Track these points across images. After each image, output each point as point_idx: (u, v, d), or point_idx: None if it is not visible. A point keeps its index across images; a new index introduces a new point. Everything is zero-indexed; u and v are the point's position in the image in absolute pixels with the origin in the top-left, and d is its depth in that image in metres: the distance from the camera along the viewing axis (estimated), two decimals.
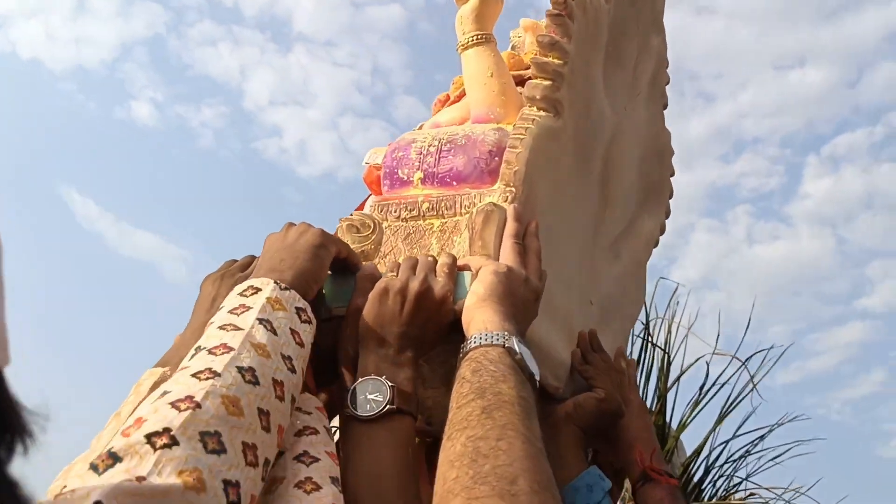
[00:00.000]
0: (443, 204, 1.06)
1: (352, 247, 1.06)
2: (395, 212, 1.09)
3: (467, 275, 0.91)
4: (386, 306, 0.87)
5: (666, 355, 2.80)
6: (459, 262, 0.93)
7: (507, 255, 0.93)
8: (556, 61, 1.11)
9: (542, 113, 1.10)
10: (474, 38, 1.17)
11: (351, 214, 1.11)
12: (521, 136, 1.05)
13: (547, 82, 1.10)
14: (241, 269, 0.98)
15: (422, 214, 1.07)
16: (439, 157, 1.10)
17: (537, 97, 1.09)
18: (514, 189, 1.02)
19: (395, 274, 0.90)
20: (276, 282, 0.79)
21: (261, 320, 0.73)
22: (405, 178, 1.11)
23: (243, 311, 0.74)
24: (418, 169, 1.11)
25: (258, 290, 0.78)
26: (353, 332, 0.89)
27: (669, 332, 2.85)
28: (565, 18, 1.12)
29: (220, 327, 0.72)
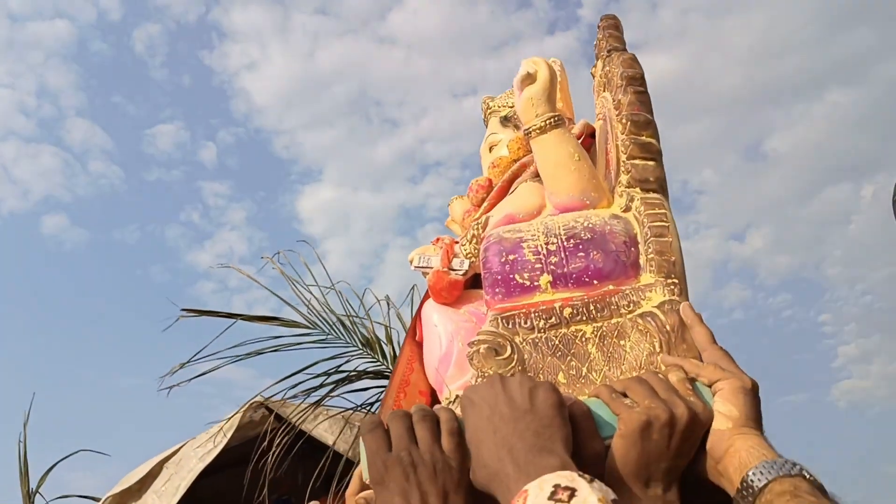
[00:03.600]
0: (592, 307, 0.91)
1: (498, 373, 0.87)
2: (526, 322, 0.92)
3: (705, 389, 0.76)
4: (651, 441, 0.70)
5: None
6: (688, 370, 0.79)
7: (728, 364, 0.79)
8: (652, 140, 1.04)
9: (657, 196, 1.01)
10: (551, 120, 1.07)
11: (477, 336, 0.92)
12: (665, 223, 0.95)
13: (651, 163, 1.03)
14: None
15: (564, 321, 0.91)
16: (566, 256, 0.96)
17: (651, 179, 1.01)
18: (676, 281, 0.91)
19: (631, 402, 0.74)
20: (580, 475, 0.60)
21: None
22: (527, 283, 0.95)
23: None
24: (543, 272, 0.95)
25: (573, 490, 0.58)
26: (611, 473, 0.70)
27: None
28: (648, 95, 1.07)
29: None
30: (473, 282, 1.20)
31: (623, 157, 1.07)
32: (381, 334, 3.64)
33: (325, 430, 3.42)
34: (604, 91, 1.26)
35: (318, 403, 3.36)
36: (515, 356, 0.89)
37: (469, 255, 1.13)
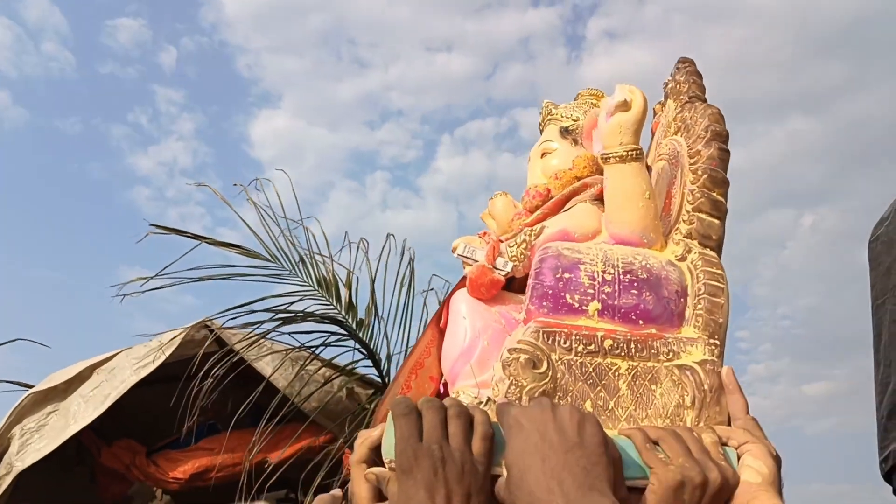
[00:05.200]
0: (632, 345, 0.93)
1: (530, 386, 0.89)
2: (566, 343, 0.93)
3: (732, 454, 0.79)
4: (681, 501, 0.72)
5: None
6: (719, 434, 0.81)
7: (758, 433, 0.82)
8: (723, 200, 1.07)
9: (714, 254, 1.03)
10: (633, 152, 1.08)
11: (518, 343, 0.93)
12: (721, 285, 0.97)
13: (717, 221, 1.05)
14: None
15: (602, 351, 0.93)
16: (620, 289, 0.97)
17: (713, 237, 1.03)
18: (717, 342, 0.94)
19: (665, 457, 0.76)
20: None
21: None
22: (576, 305, 0.97)
23: None
24: (594, 298, 0.97)
25: None
26: None
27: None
28: (729, 153, 1.10)
29: None
30: (505, 284, 1.21)
31: (688, 207, 1.08)
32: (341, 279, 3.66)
33: (266, 364, 3.41)
34: (676, 134, 1.27)
35: (263, 336, 3.36)
36: (550, 373, 0.91)
37: (513, 258, 1.14)
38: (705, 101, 1.27)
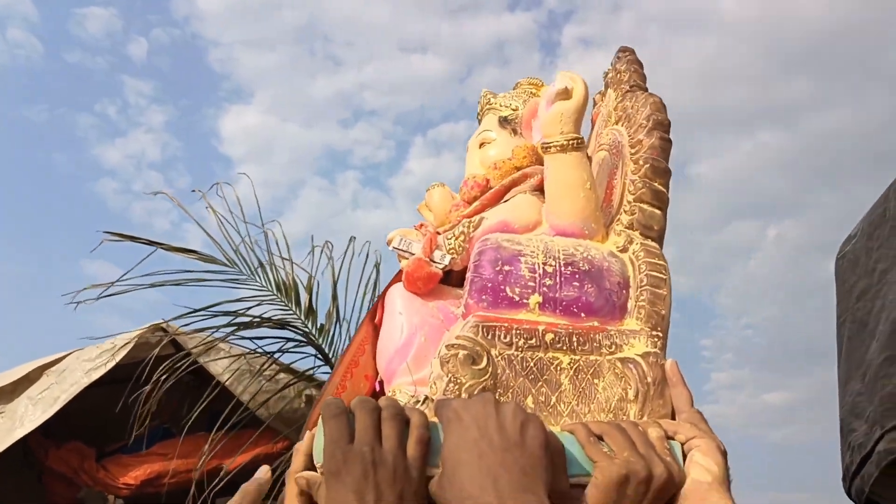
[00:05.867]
0: (574, 339, 0.90)
1: (469, 383, 0.84)
2: (506, 337, 0.89)
3: (678, 448, 0.77)
4: (625, 496, 0.69)
5: None
6: (665, 428, 0.79)
7: (704, 427, 0.80)
8: (664, 190, 1.05)
9: (655, 245, 1.01)
10: (574, 141, 1.05)
11: (456, 339, 0.88)
12: (663, 276, 0.95)
13: (658, 212, 1.03)
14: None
15: (544, 345, 0.90)
16: (561, 281, 0.94)
17: (655, 227, 1.02)
18: (661, 334, 0.91)
19: (609, 450, 0.73)
20: None
21: None
22: (516, 298, 0.93)
23: None
24: (535, 291, 0.93)
25: None
26: None
27: None
28: (671, 143, 1.08)
29: None
30: (443, 278, 1.16)
31: (629, 198, 1.06)
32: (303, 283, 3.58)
33: (221, 368, 3.35)
34: (616, 124, 1.25)
35: (220, 340, 3.30)
36: (490, 369, 0.87)
37: (451, 251, 1.10)
38: (646, 90, 1.26)
